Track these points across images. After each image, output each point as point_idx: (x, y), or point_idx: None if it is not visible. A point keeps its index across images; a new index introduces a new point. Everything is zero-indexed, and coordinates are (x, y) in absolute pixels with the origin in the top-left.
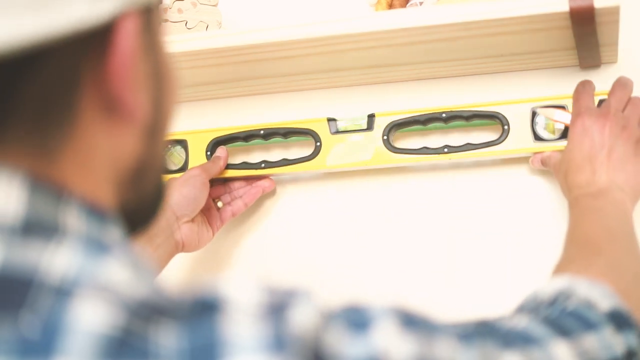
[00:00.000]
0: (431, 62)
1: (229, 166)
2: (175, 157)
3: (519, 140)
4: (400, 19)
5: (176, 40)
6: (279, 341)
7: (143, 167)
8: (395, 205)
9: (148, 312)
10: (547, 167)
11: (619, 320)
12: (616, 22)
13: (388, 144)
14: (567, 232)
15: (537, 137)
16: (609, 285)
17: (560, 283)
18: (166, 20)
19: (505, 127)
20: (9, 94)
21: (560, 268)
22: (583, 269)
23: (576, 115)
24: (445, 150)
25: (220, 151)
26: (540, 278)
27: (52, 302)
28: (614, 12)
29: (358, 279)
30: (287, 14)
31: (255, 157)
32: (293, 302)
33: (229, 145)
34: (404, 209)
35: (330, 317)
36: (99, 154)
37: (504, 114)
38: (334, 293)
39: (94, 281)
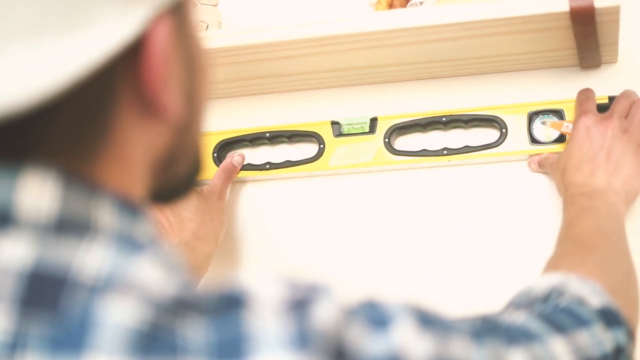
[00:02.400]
0: (431, 62)
1: None
2: None
3: (516, 143)
4: (400, 19)
5: None
6: (303, 337)
7: (175, 156)
8: (392, 202)
9: (176, 306)
10: (544, 169)
11: (608, 317)
12: (616, 22)
13: (389, 146)
14: (561, 228)
15: (534, 140)
16: (599, 283)
17: (553, 280)
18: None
19: (503, 130)
20: (48, 109)
21: (553, 263)
22: (575, 266)
23: (579, 117)
24: (445, 152)
25: (238, 158)
26: (534, 275)
27: (84, 300)
28: (614, 12)
29: (360, 276)
30: (287, 14)
31: (259, 158)
32: (315, 298)
33: (235, 147)
34: (399, 205)
35: (350, 313)
36: (134, 151)
37: (502, 117)
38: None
39: (125, 280)
